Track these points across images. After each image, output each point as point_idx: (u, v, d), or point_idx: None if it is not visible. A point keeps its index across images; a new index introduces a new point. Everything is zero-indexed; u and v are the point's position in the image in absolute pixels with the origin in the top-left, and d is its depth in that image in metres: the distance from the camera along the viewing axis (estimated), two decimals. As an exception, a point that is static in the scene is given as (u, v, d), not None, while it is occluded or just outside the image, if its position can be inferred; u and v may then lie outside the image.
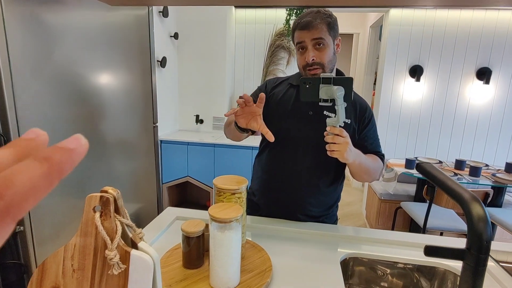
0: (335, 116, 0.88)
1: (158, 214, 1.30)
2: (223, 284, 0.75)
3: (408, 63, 2.81)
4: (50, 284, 0.55)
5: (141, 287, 0.56)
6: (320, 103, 0.90)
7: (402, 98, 2.89)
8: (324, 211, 1.18)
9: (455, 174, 2.35)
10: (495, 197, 2.40)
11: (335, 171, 1.14)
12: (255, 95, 1.13)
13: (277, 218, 1.14)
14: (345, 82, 0.88)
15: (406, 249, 1.00)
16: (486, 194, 2.10)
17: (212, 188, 2.74)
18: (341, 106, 0.86)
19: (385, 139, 2.99)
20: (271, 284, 0.80)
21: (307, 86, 0.90)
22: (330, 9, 1.06)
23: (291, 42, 2.86)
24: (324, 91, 0.88)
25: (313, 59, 1.00)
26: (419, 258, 0.96)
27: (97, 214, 0.54)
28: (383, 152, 1.16)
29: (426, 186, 2.08)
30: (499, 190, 2.40)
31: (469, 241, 0.55)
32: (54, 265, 0.55)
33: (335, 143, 0.88)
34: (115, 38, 0.90)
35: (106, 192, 0.56)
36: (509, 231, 2.27)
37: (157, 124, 1.24)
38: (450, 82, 2.82)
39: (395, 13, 2.73)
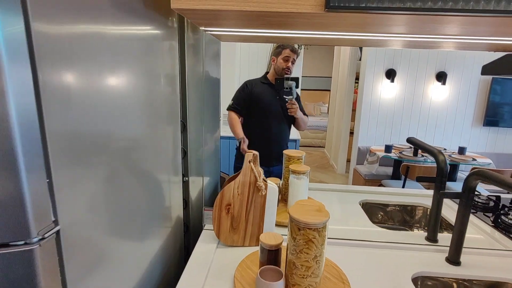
0: (290, 96, 1.84)
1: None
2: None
3: (384, 67, 3.43)
4: (226, 202, 1.00)
5: (271, 204, 1.03)
6: (284, 89, 1.79)
7: (380, 96, 3.51)
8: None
9: (422, 156, 2.99)
10: (451, 173, 3.08)
11: (288, 130, 2.03)
12: (242, 97, 1.95)
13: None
14: (296, 79, 1.81)
15: (395, 197, 1.55)
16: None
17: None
18: (294, 90, 1.81)
19: (368, 129, 3.60)
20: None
21: (279, 81, 1.82)
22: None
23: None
24: (287, 83, 1.78)
25: (289, 68, 1.89)
26: (405, 202, 1.51)
27: (251, 164, 1.00)
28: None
29: (402, 164, 2.69)
30: (454, 168, 3.08)
31: (438, 171, 1.08)
32: (228, 192, 1.00)
33: (293, 107, 1.85)
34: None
35: (250, 152, 1.03)
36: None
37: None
38: (416, 83, 3.47)
39: (374, 26, 3.32)
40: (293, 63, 1.90)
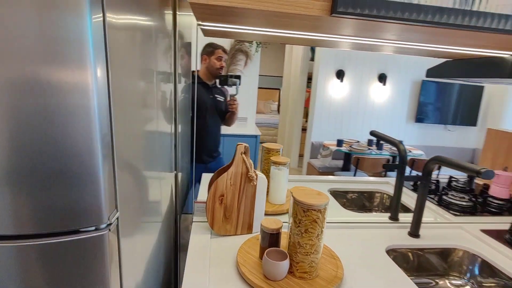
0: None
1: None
2: (280, 201, 1.31)
3: (335, 68, 3.71)
4: (220, 193, 1.03)
5: (261, 194, 1.09)
6: (229, 86, 1.94)
7: (331, 95, 3.79)
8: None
9: (369, 148, 3.33)
10: (392, 162, 3.48)
11: (220, 127, 2.12)
12: None
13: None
14: (238, 76, 1.93)
15: (358, 185, 1.73)
16: (388, 160, 3.11)
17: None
18: (237, 87, 1.94)
19: (320, 126, 3.86)
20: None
21: (222, 79, 1.94)
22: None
23: (251, 47, 3.45)
24: (231, 81, 1.91)
25: (222, 67, 1.97)
26: (366, 188, 1.69)
27: (243, 155, 1.05)
28: None
29: (354, 156, 2.96)
30: (394, 158, 3.49)
31: (400, 158, 1.26)
32: (222, 183, 1.03)
33: (234, 103, 2.00)
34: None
35: (242, 144, 1.07)
36: (400, 186, 3.36)
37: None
38: (362, 83, 3.84)
39: (325, 30, 3.57)
40: (224, 62, 2.03)
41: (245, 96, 3.53)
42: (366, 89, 3.86)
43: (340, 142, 3.33)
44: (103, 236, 0.40)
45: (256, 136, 3.14)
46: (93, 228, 0.39)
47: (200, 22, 0.97)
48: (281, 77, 6.02)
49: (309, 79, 4.61)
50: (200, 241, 1.02)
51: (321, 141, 3.76)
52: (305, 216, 0.78)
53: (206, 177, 1.62)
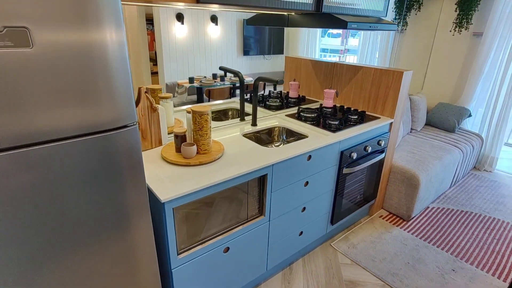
0: None
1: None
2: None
3: (174, 11, 4.03)
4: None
5: (163, 118, 1.62)
6: None
7: (176, 37, 4.17)
8: None
9: (215, 81, 4.11)
10: (233, 91, 4.43)
11: None
12: None
13: None
14: None
15: (220, 106, 2.46)
16: (230, 88, 4.01)
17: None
18: None
19: (170, 67, 4.27)
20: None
21: None
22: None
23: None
24: None
25: None
26: (222, 107, 2.45)
27: (147, 94, 1.52)
28: None
29: (206, 89, 3.66)
30: (233, 86, 4.43)
31: (240, 82, 2.02)
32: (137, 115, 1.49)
33: None
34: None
35: (143, 87, 1.53)
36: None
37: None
38: (199, 24, 4.38)
39: (157, -27, 3.75)
40: None
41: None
42: (203, 30, 4.45)
43: (191, 79, 3.93)
44: (136, 127, 0.92)
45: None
46: (132, 123, 0.91)
47: None
48: (114, 19, 5.67)
49: (148, 20, 4.72)
50: (131, 156, 1.50)
51: (175, 81, 4.24)
52: (201, 118, 1.42)
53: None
